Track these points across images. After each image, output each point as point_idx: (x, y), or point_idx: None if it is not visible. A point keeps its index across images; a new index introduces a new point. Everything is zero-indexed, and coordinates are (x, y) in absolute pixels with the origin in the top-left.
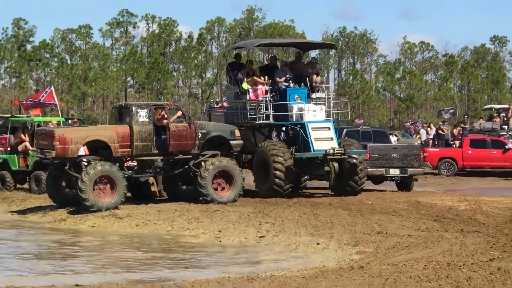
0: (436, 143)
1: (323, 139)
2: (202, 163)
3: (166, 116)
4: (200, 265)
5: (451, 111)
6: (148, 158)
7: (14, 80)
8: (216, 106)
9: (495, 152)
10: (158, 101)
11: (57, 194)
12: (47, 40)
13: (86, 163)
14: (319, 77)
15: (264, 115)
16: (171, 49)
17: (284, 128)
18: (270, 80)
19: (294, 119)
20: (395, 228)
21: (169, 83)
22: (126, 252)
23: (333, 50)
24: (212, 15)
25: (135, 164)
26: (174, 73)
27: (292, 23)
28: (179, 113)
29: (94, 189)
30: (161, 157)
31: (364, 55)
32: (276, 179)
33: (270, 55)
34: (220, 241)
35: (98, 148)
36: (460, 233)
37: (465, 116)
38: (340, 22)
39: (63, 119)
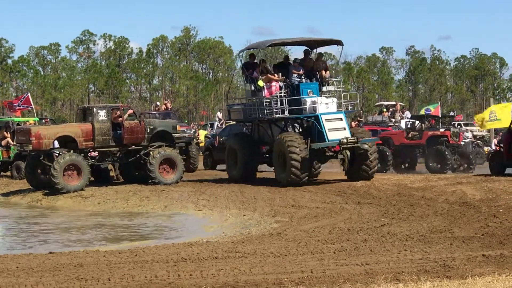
0: None
1: (336, 129)
2: (151, 152)
3: (121, 115)
4: (149, 234)
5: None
6: (107, 149)
7: None
8: (234, 103)
9: None
10: (114, 103)
11: (34, 179)
12: (24, 55)
13: (57, 154)
14: (328, 72)
15: (280, 110)
16: (124, 61)
17: (298, 121)
18: (284, 77)
19: (308, 112)
20: (306, 201)
21: (123, 89)
22: (89, 225)
23: (340, 46)
24: (157, 34)
25: (97, 154)
26: (127, 81)
27: (221, 39)
28: (130, 111)
29: (64, 175)
30: (117, 148)
31: None
32: (293, 169)
33: (284, 54)
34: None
35: (66, 142)
36: (358, 204)
37: (361, 111)
38: (260, 37)
39: (37, 119)
